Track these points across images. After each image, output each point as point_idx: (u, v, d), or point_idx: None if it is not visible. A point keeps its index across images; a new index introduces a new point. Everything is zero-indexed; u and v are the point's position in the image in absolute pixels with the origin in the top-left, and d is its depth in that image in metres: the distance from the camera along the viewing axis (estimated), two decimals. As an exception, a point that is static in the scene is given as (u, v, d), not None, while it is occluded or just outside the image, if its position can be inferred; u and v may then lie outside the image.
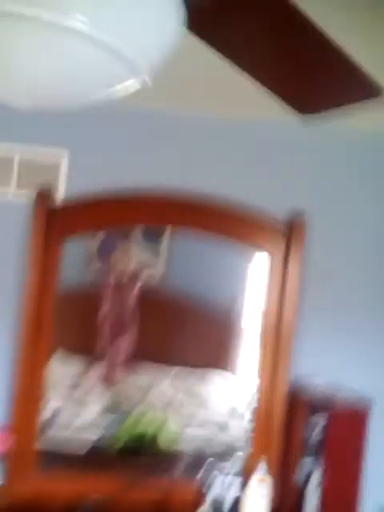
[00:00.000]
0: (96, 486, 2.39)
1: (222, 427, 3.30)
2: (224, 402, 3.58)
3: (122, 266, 3.60)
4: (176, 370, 3.61)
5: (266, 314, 2.51)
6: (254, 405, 2.72)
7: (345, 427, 2.32)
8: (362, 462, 2.32)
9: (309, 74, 1.30)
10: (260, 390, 2.52)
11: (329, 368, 2.50)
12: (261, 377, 2.52)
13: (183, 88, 2.38)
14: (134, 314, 3.44)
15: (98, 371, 3.37)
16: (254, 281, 3.35)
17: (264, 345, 2.50)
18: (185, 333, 3.67)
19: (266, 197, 2.55)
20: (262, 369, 2.51)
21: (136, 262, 3.59)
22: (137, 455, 2.88)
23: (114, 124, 2.53)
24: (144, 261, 3.65)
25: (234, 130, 2.57)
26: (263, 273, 2.58)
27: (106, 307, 3.45)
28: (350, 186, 2.59)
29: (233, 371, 3.73)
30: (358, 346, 2.57)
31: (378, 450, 2.41)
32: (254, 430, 2.54)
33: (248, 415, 3.38)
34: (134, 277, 3.56)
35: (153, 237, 3.55)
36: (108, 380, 3.37)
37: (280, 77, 1.30)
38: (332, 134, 2.52)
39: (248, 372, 3.72)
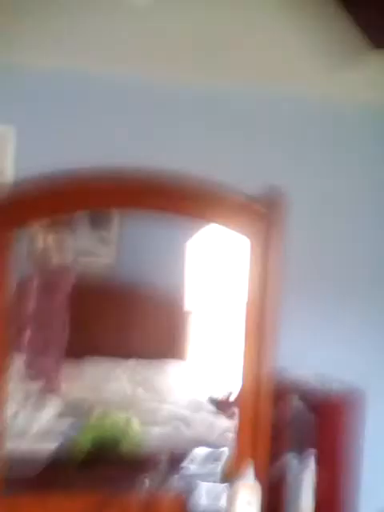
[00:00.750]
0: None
1: (186, 422, 3.09)
2: (184, 393, 3.39)
3: (57, 259, 3.30)
4: (131, 362, 3.37)
5: (248, 303, 2.29)
6: (227, 396, 2.54)
7: (337, 420, 2.17)
8: (356, 457, 2.18)
9: None
10: (244, 385, 2.31)
11: (315, 359, 2.33)
12: (245, 370, 2.30)
13: (144, 53, 2.10)
14: (64, 314, 3.16)
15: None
16: (226, 266, 3.16)
17: (247, 336, 2.29)
18: (137, 323, 3.43)
19: (237, 173, 2.31)
20: (246, 361, 2.29)
21: (75, 252, 3.31)
22: (104, 464, 2.62)
23: (64, 96, 2.21)
24: (89, 250, 3.36)
25: (199, 100, 2.31)
26: (239, 258, 2.36)
27: (28, 309, 3.15)
28: (329, 162, 2.41)
29: (188, 360, 3.54)
30: (345, 334, 2.42)
31: (372, 442, 2.28)
32: (238, 430, 2.33)
33: (210, 406, 3.22)
34: (66, 271, 3.27)
35: (101, 224, 3.26)
36: (48, 389, 3.07)
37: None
38: (306, 105, 2.33)
39: (204, 360, 3.57)
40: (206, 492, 2.21)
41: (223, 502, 2.20)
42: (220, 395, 3.23)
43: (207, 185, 2.23)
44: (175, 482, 2.33)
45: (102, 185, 2.19)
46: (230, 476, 2.27)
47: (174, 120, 2.31)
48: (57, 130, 2.22)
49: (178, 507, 2.22)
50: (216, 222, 2.31)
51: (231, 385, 3.31)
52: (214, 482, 2.27)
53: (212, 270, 3.34)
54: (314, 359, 2.32)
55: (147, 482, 2.34)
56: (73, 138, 2.24)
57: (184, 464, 2.54)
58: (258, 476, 2.20)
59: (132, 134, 2.30)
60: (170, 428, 3.00)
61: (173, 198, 2.26)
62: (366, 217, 2.46)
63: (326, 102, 2.36)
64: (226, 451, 2.50)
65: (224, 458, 2.43)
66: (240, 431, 2.31)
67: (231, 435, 2.56)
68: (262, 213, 2.25)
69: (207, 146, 2.34)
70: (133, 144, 2.29)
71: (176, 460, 2.62)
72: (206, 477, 2.42)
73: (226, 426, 2.84)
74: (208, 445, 2.78)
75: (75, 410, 2.95)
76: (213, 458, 2.54)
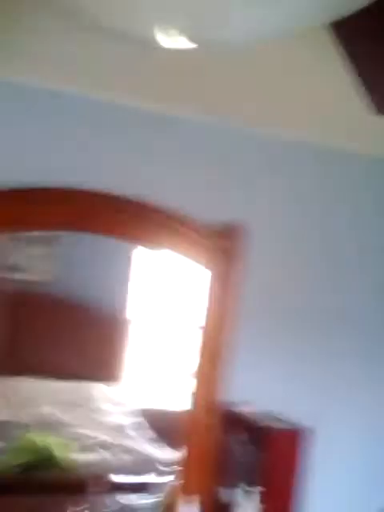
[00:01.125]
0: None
1: (122, 449, 2.99)
2: (116, 416, 3.29)
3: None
4: (64, 383, 3.24)
5: (204, 331, 2.27)
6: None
7: (282, 453, 2.17)
8: (301, 493, 2.18)
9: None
10: (194, 416, 2.27)
11: (265, 395, 2.32)
12: (196, 402, 2.27)
13: (103, 74, 2.04)
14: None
15: None
16: (174, 289, 3.12)
17: (200, 363, 2.26)
18: (74, 341, 3.32)
19: (198, 205, 2.29)
20: (198, 393, 2.26)
21: (9, 268, 3.16)
22: (30, 489, 2.47)
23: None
24: (25, 266, 3.23)
25: (159, 124, 2.27)
26: (191, 284, 2.35)
27: None
28: (287, 198, 2.45)
29: (124, 382, 3.45)
30: (299, 371, 2.43)
31: (318, 479, 2.29)
32: (184, 461, 2.28)
33: (149, 432, 3.13)
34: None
35: (43, 240, 3.14)
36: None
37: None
38: (261, 142, 2.37)
39: (137, 382, 3.50)
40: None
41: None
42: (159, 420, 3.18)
43: (167, 213, 2.20)
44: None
45: (53, 207, 2.10)
46: (170, 509, 2.21)
47: (136, 144, 2.26)
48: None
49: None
50: (175, 251, 2.28)
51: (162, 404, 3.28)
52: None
53: (159, 292, 3.30)
54: (264, 395, 2.32)
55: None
56: (15, 154, 2.14)
57: (117, 493, 2.46)
58: (203, 510, 2.15)
59: (92, 155, 2.23)
60: (103, 454, 2.90)
61: (130, 224, 2.22)
62: (325, 253, 2.50)
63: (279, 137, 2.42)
64: (164, 482, 2.44)
65: (163, 489, 2.36)
66: (186, 462, 2.26)
67: (172, 465, 2.52)
68: (222, 245, 2.25)
69: (167, 175, 2.30)
70: (86, 165, 2.22)
71: (108, 487, 2.53)
72: (142, 509, 2.34)
73: (165, 455, 2.78)
74: (143, 473, 2.71)
75: (2, 432, 2.79)
76: (150, 489, 2.47)
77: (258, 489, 2.17)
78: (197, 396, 2.27)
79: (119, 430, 3.16)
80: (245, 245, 2.26)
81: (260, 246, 2.32)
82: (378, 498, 2.62)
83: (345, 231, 2.55)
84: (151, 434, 3.06)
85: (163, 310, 3.36)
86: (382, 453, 2.65)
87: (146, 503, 2.39)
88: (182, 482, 2.24)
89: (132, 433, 3.14)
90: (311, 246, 2.48)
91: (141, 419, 3.19)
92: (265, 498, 2.14)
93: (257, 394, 2.31)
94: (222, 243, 2.23)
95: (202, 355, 2.27)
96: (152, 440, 3.01)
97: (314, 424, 2.22)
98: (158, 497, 2.36)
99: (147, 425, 3.12)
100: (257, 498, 2.17)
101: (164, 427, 3.00)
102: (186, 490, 2.21)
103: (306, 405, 2.38)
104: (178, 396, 3.09)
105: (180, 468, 2.29)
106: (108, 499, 2.43)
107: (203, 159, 2.33)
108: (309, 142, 2.42)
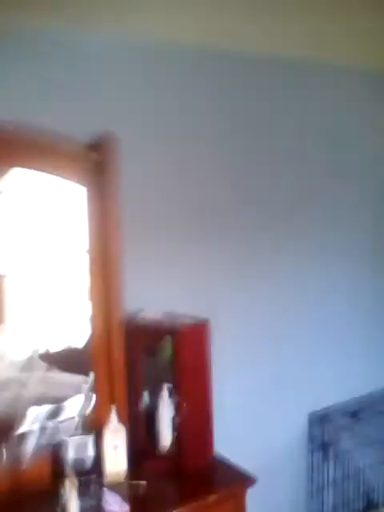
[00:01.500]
0: None
1: (22, 383, 2.97)
2: (11, 355, 3.23)
3: None
4: None
5: (90, 251, 2.25)
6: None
7: (191, 348, 2.25)
8: (210, 380, 2.31)
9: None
10: (94, 334, 2.30)
11: (160, 299, 2.39)
12: (94, 319, 2.28)
13: None
14: None
15: None
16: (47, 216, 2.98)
17: (92, 284, 2.26)
18: None
19: (69, 121, 2.19)
20: (94, 310, 2.27)
21: None
22: None
23: None
24: None
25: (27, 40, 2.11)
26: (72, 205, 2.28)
27: None
28: (160, 108, 2.41)
29: (9, 321, 3.35)
30: (186, 273, 2.51)
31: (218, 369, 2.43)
32: (95, 378, 2.32)
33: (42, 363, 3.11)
34: None
35: None
36: None
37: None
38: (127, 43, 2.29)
39: (26, 319, 3.40)
40: (71, 446, 2.17)
41: (90, 452, 2.19)
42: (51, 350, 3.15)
43: (32, 132, 2.09)
44: (30, 444, 2.26)
45: None
46: (91, 425, 2.27)
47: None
48: None
49: (44, 468, 2.17)
50: (48, 171, 2.19)
51: (59, 339, 3.26)
52: (76, 434, 2.24)
53: (33, 222, 3.16)
54: (160, 300, 2.38)
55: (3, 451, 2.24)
56: None
57: (33, 425, 2.47)
58: (120, 419, 2.23)
59: None
60: (7, 392, 2.87)
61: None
62: (200, 158, 2.53)
63: (161, 45, 2.35)
64: (76, 403, 2.47)
65: (77, 410, 2.40)
66: (97, 379, 2.30)
67: (84, 386, 2.55)
68: (95, 159, 2.19)
69: (35, 91, 2.16)
70: None
71: (20, 423, 2.52)
72: (64, 432, 2.38)
73: (68, 379, 2.80)
74: (52, 401, 2.73)
75: None
76: (63, 413, 2.50)
77: (173, 388, 2.28)
78: (95, 318, 2.28)
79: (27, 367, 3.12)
80: (118, 156, 2.21)
81: (134, 157, 2.30)
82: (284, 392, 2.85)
83: (223, 135, 2.59)
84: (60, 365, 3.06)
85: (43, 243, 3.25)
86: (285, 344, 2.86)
87: (66, 424, 2.42)
88: (96, 396, 2.30)
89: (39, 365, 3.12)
90: (188, 154, 2.50)
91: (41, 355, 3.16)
92: (181, 395, 2.26)
93: (153, 300, 2.37)
94: (95, 156, 2.17)
95: (92, 276, 2.26)
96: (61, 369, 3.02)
97: (213, 318, 2.34)
98: (77, 416, 2.40)
99: (53, 358, 3.11)
100: (166, 394, 2.28)
101: (70, 357, 3.01)
102: (103, 404, 2.28)
103: (202, 303, 2.49)
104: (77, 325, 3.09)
105: (93, 387, 2.33)
106: (26, 432, 2.44)
107: (65, 70, 2.21)
108: (183, 47, 2.38)
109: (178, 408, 2.25)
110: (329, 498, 3.04)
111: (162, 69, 2.41)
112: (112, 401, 2.26)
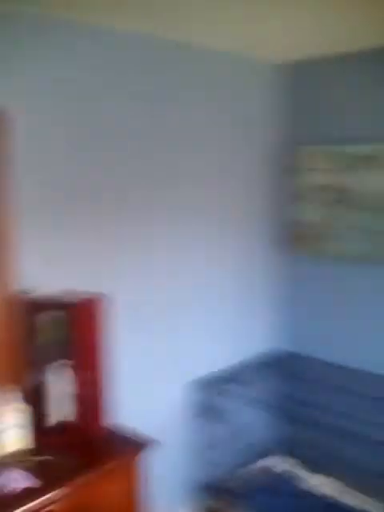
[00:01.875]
0: None
1: None
2: None
3: None
4: None
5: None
6: None
7: (84, 322, 2.33)
8: (104, 353, 2.44)
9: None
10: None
11: (57, 275, 2.47)
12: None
13: None
14: None
15: None
16: None
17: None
18: None
19: None
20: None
21: None
22: None
23: None
24: None
25: None
26: None
27: None
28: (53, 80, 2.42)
29: None
30: (85, 245, 2.57)
31: (124, 344, 2.55)
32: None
33: None
34: None
35: None
36: None
37: None
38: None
39: None
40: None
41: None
42: None
43: None
44: None
45: None
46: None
47: None
48: None
49: None
50: None
51: None
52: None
53: None
54: (59, 275, 2.46)
55: None
56: None
57: None
58: (18, 397, 2.30)
59: None
60: None
61: None
62: (95, 134, 2.57)
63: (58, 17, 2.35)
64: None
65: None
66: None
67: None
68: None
69: None
70: None
71: None
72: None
73: None
74: None
75: None
76: None
77: (69, 362, 2.39)
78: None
79: None
80: (10, 129, 2.22)
81: (28, 130, 2.32)
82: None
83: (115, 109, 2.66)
84: None
85: None
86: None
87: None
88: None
89: None
90: (82, 129, 2.56)
91: None
92: (76, 368, 2.38)
93: (50, 275, 2.42)
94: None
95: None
96: None
97: (111, 292, 2.46)
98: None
99: None
100: (65, 368, 2.39)
101: None
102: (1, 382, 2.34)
103: (99, 276, 2.58)
104: None
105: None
106: None
107: None
108: (77, 21, 2.41)
109: (74, 381, 2.37)
110: (216, 455, 3.29)
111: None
112: (12, 380, 2.33)
